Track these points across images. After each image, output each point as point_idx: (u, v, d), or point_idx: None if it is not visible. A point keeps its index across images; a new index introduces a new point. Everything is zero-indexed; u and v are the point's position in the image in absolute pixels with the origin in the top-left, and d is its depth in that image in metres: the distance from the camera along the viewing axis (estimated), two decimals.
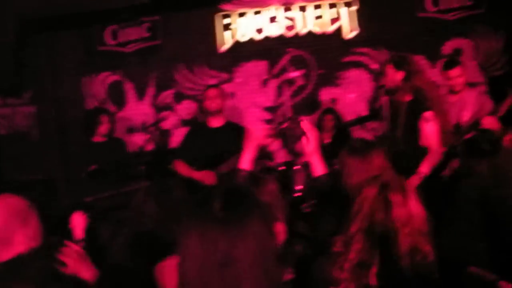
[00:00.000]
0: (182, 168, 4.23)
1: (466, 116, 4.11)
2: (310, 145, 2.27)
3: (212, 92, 4.29)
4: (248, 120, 6.00)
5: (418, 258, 1.57)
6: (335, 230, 1.97)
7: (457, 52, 5.94)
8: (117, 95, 6.35)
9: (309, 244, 2.01)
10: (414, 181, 3.14)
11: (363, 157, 2.39)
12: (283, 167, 5.45)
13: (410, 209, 1.63)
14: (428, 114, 3.35)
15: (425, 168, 3.27)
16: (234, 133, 4.20)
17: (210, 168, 4.12)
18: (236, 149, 3.99)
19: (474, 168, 2.60)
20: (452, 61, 4.30)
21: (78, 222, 2.83)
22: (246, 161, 2.27)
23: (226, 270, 1.10)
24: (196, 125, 4.92)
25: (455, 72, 4.16)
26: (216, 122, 4.28)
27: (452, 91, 4.23)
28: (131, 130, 6.31)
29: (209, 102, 4.23)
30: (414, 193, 1.69)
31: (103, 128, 4.80)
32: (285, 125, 4.18)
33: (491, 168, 2.24)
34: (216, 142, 4.18)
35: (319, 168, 2.25)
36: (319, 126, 5.48)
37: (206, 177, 4.07)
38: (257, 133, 2.31)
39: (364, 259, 1.59)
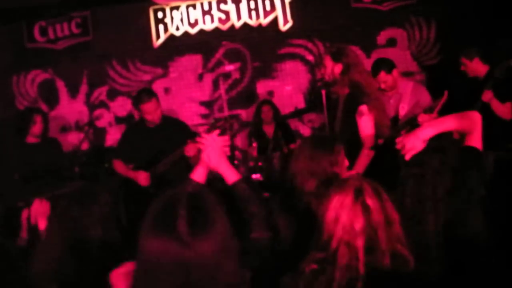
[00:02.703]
0: (119, 167, 4.19)
1: (403, 109, 4.11)
2: (213, 158, 2.04)
3: (149, 107, 4.00)
4: (184, 115, 5.89)
5: (400, 264, 1.49)
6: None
7: (391, 41, 6.01)
8: (48, 94, 6.12)
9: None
10: None
11: (329, 151, 2.29)
12: None
13: (388, 213, 1.53)
14: (362, 107, 3.30)
15: (359, 167, 3.22)
16: (172, 130, 4.15)
17: (148, 167, 4.05)
18: (172, 147, 3.98)
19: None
20: (374, 69, 4.14)
21: (41, 210, 2.67)
22: (199, 173, 2.08)
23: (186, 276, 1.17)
24: (133, 124, 4.82)
25: (380, 77, 4.12)
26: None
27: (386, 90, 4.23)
28: (64, 129, 6.10)
29: (150, 116, 4.04)
30: (388, 196, 1.59)
31: (36, 128, 4.59)
32: (220, 123, 4.13)
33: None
34: (154, 140, 4.09)
35: (231, 175, 2.01)
36: (258, 118, 5.44)
37: (140, 177, 4.03)
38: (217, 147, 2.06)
39: (352, 276, 1.46)
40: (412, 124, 3.83)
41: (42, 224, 2.66)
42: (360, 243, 1.47)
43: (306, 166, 2.25)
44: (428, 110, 3.74)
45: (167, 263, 1.17)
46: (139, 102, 4.05)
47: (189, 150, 3.94)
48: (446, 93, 3.67)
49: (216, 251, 1.19)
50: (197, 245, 1.17)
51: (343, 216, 1.51)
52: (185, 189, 2.08)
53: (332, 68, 3.44)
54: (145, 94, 4.10)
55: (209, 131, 4.11)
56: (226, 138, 2.15)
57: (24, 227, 2.67)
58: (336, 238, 1.50)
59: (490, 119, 3.95)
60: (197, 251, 1.17)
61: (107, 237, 2.12)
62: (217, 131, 2.17)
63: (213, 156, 2.03)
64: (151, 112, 4.03)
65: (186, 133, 4.12)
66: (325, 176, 2.22)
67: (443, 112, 3.83)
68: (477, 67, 4.22)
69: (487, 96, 3.91)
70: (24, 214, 2.70)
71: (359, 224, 1.49)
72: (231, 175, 2.00)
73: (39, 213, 2.68)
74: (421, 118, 3.72)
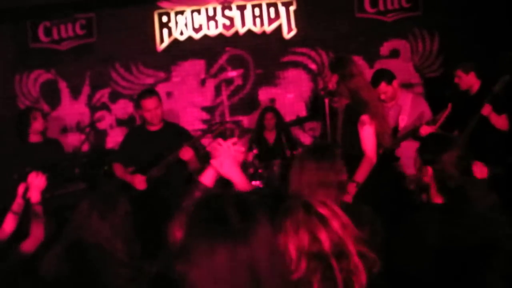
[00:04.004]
0: (118, 171, 4.19)
1: (403, 120, 4.12)
2: (225, 165, 2.06)
3: (150, 104, 4.00)
4: (186, 120, 5.90)
5: (369, 264, 1.49)
6: None
7: (395, 52, 6.03)
8: (50, 94, 6.10)
9: None
10: (350, 189, 3.10)
11: (332, 160, 2.26)
12: None
13: (342, 218, 1.53)
14: (364, 117, 3.31)
15: (359, 177, 3.23)
16: (173, 135, 4.13)
17: (146, 171, 4.04)
18: (168, 153, 3.97)
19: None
20: (374, 79, 4.18)
21: (37, 183, 2.68)
22: (208, 177, 2.07)
23: (251, 275, 1.13)
24: (134, 127, 4.78)
25: (381, 88, 4.14)
26: (155, 126, 4.15)
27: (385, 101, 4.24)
28: (65, 130, 6.09)
29: (149, 114, 4.03)
30: (334, 203, 1.59)
31: (38, 124, 4.54)
32: (215, 127, 4.11)
33: None
34: (154, 144, 4.08)
35: (242, 184, 2.05)
36: (261, 125, 5.44)
37: (137, 181, 4.02)
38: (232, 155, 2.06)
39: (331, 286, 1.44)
40: (414, 135, 3.85)
41: (35, 198, 2.66)
42: (327, 248, 1.45)
43: (313, 178, 2.20)
44: (431, 122, 3.76)
45: (235, 267, 1.13)
46: (140, 98, 4.06)
47: (184, 154, 3.94)
48: (450, 105, 3.69)
49: (268, 248, 1.18)
50: (252, 240, 1.15)
51: (303, 233, 1.47)
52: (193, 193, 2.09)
53: (330, 78, 3.46)
54: (147, 91, 4.16)
55: (205, 134, 4.13)
56: (240, 146, 2.14)
57: (18, 201, 2.66)
58: (303, 256, 1.45)
59: (487, 132, 4.02)
60: (254, 247, 1.15)
61: (129, 251, 2.11)
62: (234, 139, 2.15)
63: (226, 163, 2.03)
64: (151, 110, 4.02)
65: (186, 140, 4.11)
66: (334, 185, 2.21)
67: (445, 124, 3.87)
68: (471, 81, 4.33)
69: (487, 110, 4.00)
70: (21, 188, 2.69)
71: (321, 234, 1.47)
72: (242, 184, 2.02)
73: (34, 186, 2.67)
74: (423, 129, 3.74)
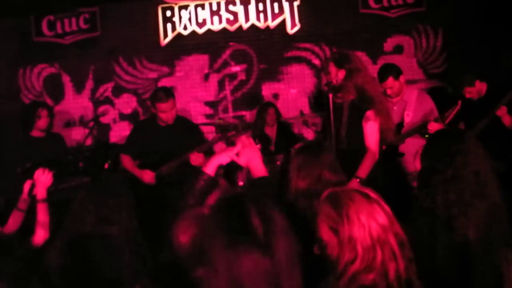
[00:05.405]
0: (127, 163, 4.14)
1: (408, 116, 4.12)
2: (247, 155, 2.13)
3: (166, 107, 3.90)
4: (189, 115, 5.90)
5: None
6: None
7: (398, 48, 6.03)
8: (54, 88, 6.10)
9: None
10: (353, 185, 3.10)
11: (315, 156, 2.30)
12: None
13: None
14: (369, 113, 3.30)
15: (362, 173, 3.23)
16: (184, 131, 4.08)
17: (154, 166, 4.01)
18: (182, 149, 3.95)
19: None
20: (382, 74, 4.14)
21: (43, 180, 2.67)
22: (211, 166, 2.09)
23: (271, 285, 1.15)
24: (145, 120, 4.73)
25: (388, 83, 4.12)
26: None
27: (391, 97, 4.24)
28: (68, 124, 6.09)
29: (165, 115, 3.94)
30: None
31: (42, 123, 4.55)
32: (230, 134, 4.05)
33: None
34: (165, 139, 4.02)
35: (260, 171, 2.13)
36: (262, 120, 5.44)
37: (146, 176, 4.00)
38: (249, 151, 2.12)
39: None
40: (420, 132, 3.85)
41: (41, 194, 2.66)
42: (392, 236, 1.42)
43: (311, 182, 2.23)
44: (440, 119, 3.76)
45: (257, 276, 1.13)
46: (155, 100, 3.94)
47: (195, 160, 3.90)
48: (459, 102, 3.69)
49: (290, 254, 1.18)
50: (276, 251, 1.15)
51: (371, 221, 1.42)
52: (195, 183, 2.11)
53: (336, 74, 3.44)
54: (163, 93, 3.97)
55: (219, 140, 4.08)
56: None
57: (24, 198, 2.67)
58: (378, 244, 1.40)
59: (492, 129, 4.02)
60: (276, 254, 1.15)
61: (132, 242, 2.12)
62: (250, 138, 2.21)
63: (248, 153, 2.11)
64: (166, 111, 3.94)
65: (197, 137, 4.07)
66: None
67: (454, 121, 3.87)
68: (479, 88, 4.27)
69: (502, 111, 3.98)
70: (27, 185, 2.70)
71: (384, 220, 1.43)
72: (259, 171, 2.11)
73: (40, 182, 2.68)
74: (432, 126, 3.74)
